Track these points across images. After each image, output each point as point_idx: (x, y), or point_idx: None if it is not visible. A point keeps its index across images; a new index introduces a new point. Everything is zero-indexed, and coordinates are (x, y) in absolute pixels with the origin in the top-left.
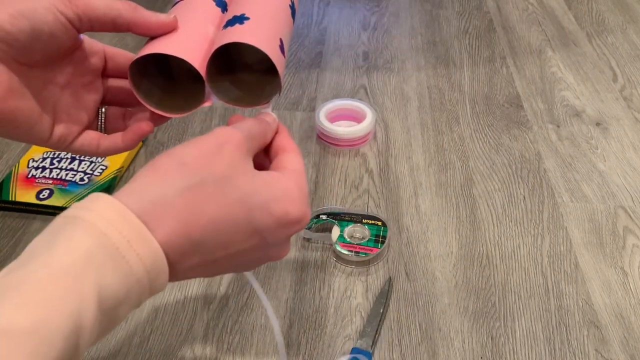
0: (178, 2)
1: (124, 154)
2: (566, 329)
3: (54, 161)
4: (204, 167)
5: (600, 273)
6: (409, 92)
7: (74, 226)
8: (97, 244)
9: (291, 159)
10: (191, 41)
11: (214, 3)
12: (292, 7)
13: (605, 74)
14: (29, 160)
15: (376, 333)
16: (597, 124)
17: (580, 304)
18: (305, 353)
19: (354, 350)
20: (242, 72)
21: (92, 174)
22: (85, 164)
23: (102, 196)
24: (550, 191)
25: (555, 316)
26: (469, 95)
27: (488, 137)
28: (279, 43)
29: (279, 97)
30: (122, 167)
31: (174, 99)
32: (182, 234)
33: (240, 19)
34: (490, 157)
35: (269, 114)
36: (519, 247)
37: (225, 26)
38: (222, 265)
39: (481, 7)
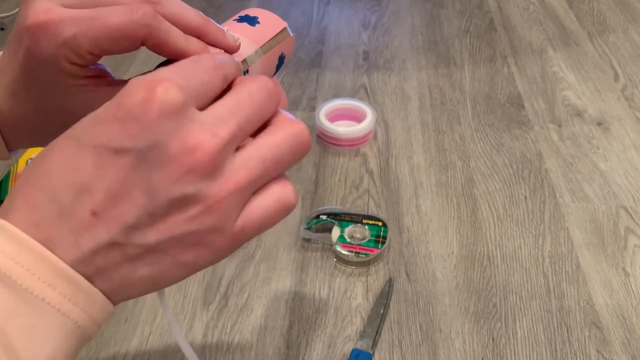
0: None
1: None
2: (567, 330)
3: None
4: None
5: (602, 273)
6: (409, 91)
7: None
8: None
9: None
10: None
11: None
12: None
13: (607, 73)
14: (27, 160)
15: (376, 334)
16: (599, 124)
17: (582, 304)
18: (305, 354)
19: (354, 351)
20: None
21: None
22: None
23: None
24: (552, 191)
25: (557, 317)
26: (470, 94)
27: (489, 136)
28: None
29: None
30: None
31: None
32: None
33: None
34: (491, 157)
35: None
36: (520, 248)
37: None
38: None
39: (482, 6)
